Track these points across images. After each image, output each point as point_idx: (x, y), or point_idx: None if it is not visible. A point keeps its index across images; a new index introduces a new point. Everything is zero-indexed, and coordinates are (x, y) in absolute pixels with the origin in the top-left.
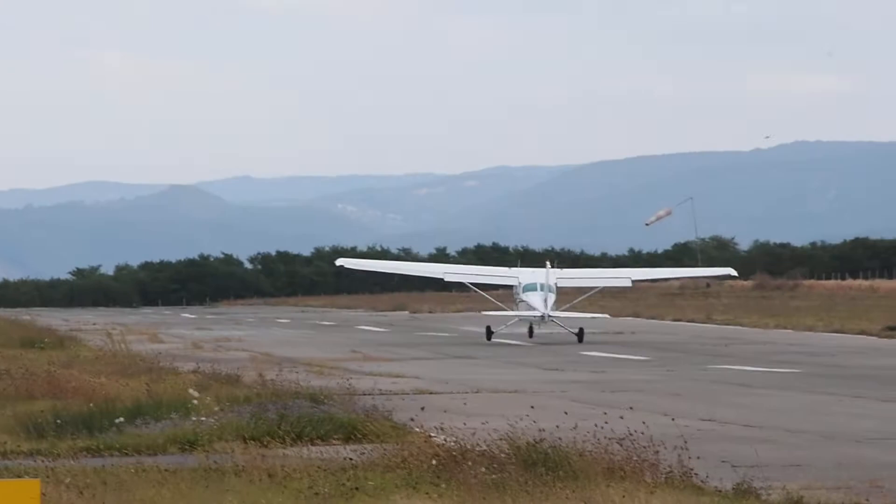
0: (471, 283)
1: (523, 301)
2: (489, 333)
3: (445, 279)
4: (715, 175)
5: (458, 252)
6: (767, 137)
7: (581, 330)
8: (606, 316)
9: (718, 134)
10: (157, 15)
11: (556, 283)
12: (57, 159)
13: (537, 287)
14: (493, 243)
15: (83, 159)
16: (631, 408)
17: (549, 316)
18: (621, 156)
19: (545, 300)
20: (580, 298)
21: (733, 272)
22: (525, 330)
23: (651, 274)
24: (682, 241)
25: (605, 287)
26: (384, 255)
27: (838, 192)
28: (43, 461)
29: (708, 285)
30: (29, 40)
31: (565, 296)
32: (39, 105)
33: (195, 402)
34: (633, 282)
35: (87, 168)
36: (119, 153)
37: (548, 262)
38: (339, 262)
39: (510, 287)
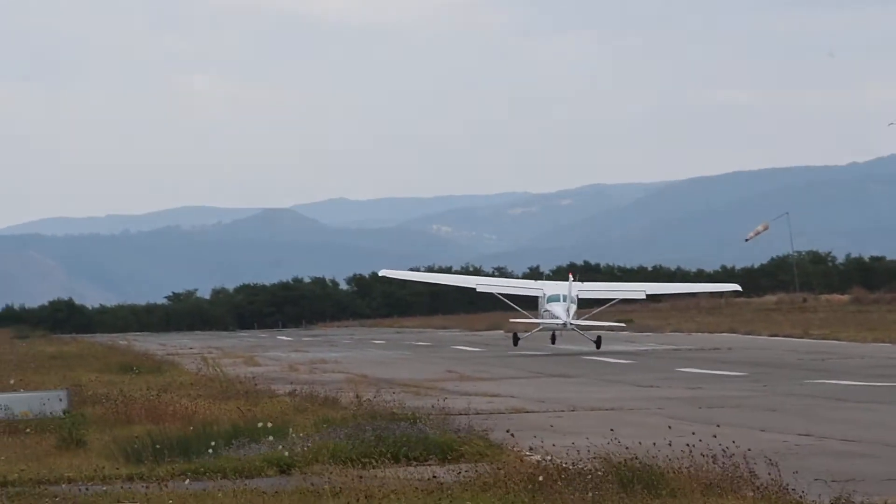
0: (501, 295)
1: (547, 311)
2: (515, 340)
3: (477, 290)
4: (811, 190)
5: (551, 271)
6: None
7: (599, 338)
8: (623, 325)
9: (814, 149)
10: (248, 38)
11: (577, 295)
12: (153, 185)
13: (560, 298)
14: (584, 262)
15: (180, 184)
16: (718, 426)
17: (570, 324)
18: (718, 171)
19: (567, 310)
20: (598, 310)
21: (738, 287)
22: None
23: (664, 289)
24: (779, 256)
25: (621, 299)
26: (478, 273)
27: None
28: (142, 486)
29: (805, 300)
30: (124, 64)
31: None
32: (135, 130)
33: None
34: (647, 295)
35: (183, 193)
36: (215, 178)
37: (570, 275)
38: (382, 272)
39: (536, 298)
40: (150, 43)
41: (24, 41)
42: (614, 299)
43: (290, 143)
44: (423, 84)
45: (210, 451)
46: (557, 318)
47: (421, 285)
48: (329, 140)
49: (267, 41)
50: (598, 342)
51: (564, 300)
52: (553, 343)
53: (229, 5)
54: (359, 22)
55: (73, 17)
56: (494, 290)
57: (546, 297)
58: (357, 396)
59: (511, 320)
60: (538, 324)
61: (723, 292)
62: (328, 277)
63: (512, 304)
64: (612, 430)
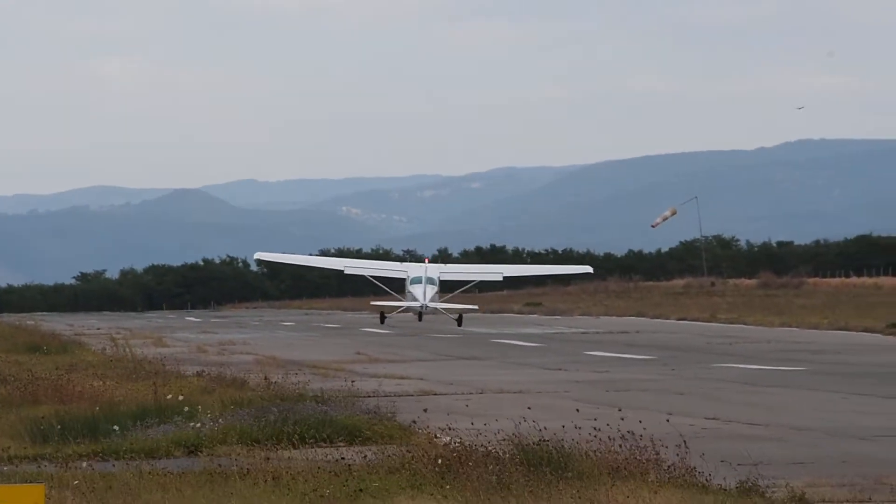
0: (371, 276)
1: (409, 292)
2: (382, 318)
3: (346, 272)
4: (720, 175)
5: (459, 254)
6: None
7: (460, 316)
8: (476, 307)
9: (722, 133)
10: (159, 20)
11: (438, 277)
12: (61, 164)
13: (421, 280)
14: (492, 245)
15: (87, 164)
16: (620, 409)
17: (427, 306)
18: (626, 156)
19: (424, 292)
20: (457, 292)
21: (589, 269)
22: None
23: (521, 271)
24: (687, 240)
25: (480, 280)
26: (387, 256)
27: (843, 190)
28: (47, 466)
29: (713, 284)
30: (33, 44)
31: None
32: (43, 110)
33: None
34: (504, 277)
35: (91, 173)
36: (123, 158)
37: (426, 259)
38: (256, 255)
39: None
40: (59, 24)
41: None
42: (473, 281)
43: (199, 124)
44: (335, 65)
45: (118, 431)
46: (416, 299)
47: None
48: (238, 120)
49: (178, 22)
50: (459, 320)
51: (423, 282)
52: (420, 321)
53: None
54: (274, 4)
55: None
56: (364, 272)
57: (410, 278)
58: (265, 378)
59: (372, 302)
60: (402, 305)
61: (574, 274)
62: (239, 258)
63: (382, 286)
64: (528, 408)
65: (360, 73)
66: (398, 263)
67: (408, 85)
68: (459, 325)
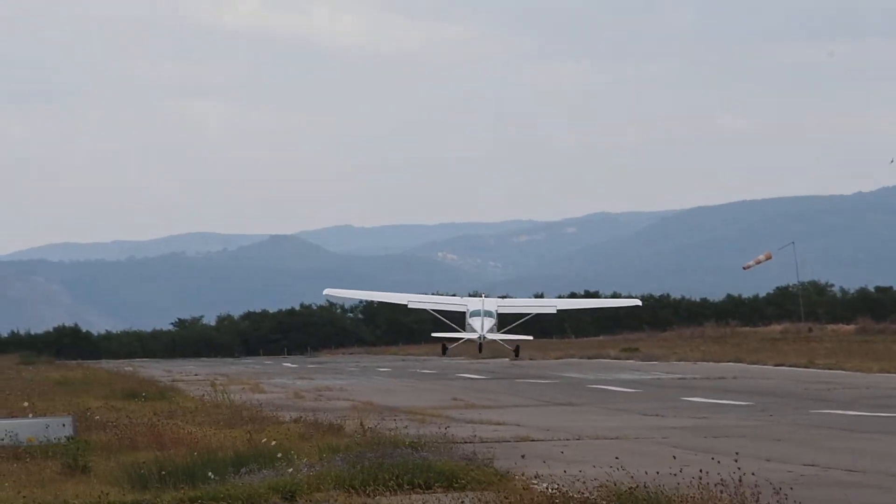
0: (432, 311)
1: (469, 324)
2: (444, 349)
3: (409, 306)
4: (817, 218)
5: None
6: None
7: (517, 347)
8: (530, 337)
9: (820, 177)
10: (256, 65)
11: (496, 310)
12: (159, 211)
13: (480, 313)
14: (585, 291)
15: (185, 211)
16: (737, 453)
17: (485, 336)
18: (721, 201)
19: (482, 324)
20: (514, 325)
21: (638, 302)
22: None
23: (574, 304)
24: (783, 286)
25: (536, 314)
26: None
27: None
28: None
29: (810, 330)
30: (130, 92)
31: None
32: (140, 156)
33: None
34: (557, 310)
35: (188, 219)
36: (221, 204)
37: (482, 294)
38: (326, 292)
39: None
40: (155, 68)
41: (30, 63)
42: (529, 314)
43: (295, 170)
44: (428, 110)
45: (215, 477)
46: (475, 330)
47: (426, 312)
48: (335, 166)
49: (273, 66)
50: (516, 351)
51: (482, 315)
52: (480, 352)
53: (235, 31)
54: (364, 49)
55: (79, 41)
56: (426, 307)
57: (469, 312)
58: (361, 424)
59: (433, 334)
60: (462, 336)
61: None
62: (336, 304)
63: (443, 319)
64: (616, 458)
65: (451, 115)
66: (458, 298)
67: (499, 128)
68: (517, 356)
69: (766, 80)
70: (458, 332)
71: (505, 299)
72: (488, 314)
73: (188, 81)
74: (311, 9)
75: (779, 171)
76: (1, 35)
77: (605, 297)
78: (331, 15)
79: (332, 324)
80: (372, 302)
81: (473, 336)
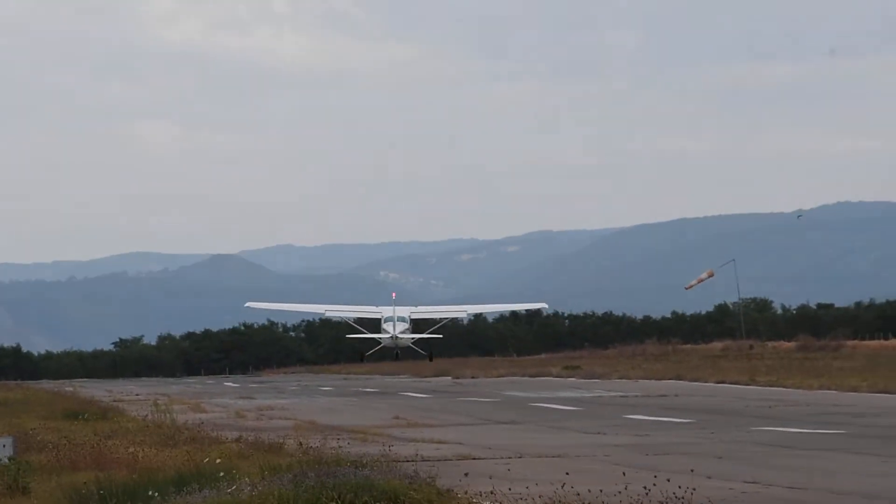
0: (350, 320)
1: (383, 328)
2: (361, 357)
3: (326, 314)
4: (757, 236)
5: (494, 319)
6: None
7: (430, 353)
8: (440, 336)
9: (761, 196)
10: (197, 87)
11: (409, 316)
12: (99, 231)
13: (393, 319)
14: (526, 310)
15: (126, 230)
16: (692, 470)
17: (397, 336)
18: (662, 218)
19: (394, 327)
20: (428, 331)
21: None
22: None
23: (483, 309)
24: (723, 303)
25: (449, 318)
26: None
27: (881, 253)
28: None
29: (751, 347)
30: (70, 112)
31: None
32: (81, 177)
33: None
34: (467, 314)
35: (129, 239)
36: (161, 224)
37: (392, 295)
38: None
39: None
40: (95, 89)
41: None
42: (443, 320)
43: (236, 190)
44: (371, 132)
45: (157, 496)
46: (388, 333)
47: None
48: (276, 186)
49: (215, 86)
50: (430, 357)
51: (394, 320)
52: (396, 359)
53: (178, 51)
54: (308, 68)
55: (19, 59)
56: (344, 316)
57: (384, 318)
58: (300, 444)
59: (347, 336)
60: (377, 341)
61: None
62: (278, 323)
63: (359, 328)
64: (567, 474)
65: (391, 137)
66: (374, 307)
67: (440, 148)
68: (430, 360)
69: (707, 100)
70: (373, 335)
71: (418, 307)
72: (401, 319)
73: (129, 101)
74: (255, 30)
75: (719, 190)
76: None
77: (514, 304)
78: (275, 35)
79: (273, 343)
80: (314, 321)
81: (385, 337)
